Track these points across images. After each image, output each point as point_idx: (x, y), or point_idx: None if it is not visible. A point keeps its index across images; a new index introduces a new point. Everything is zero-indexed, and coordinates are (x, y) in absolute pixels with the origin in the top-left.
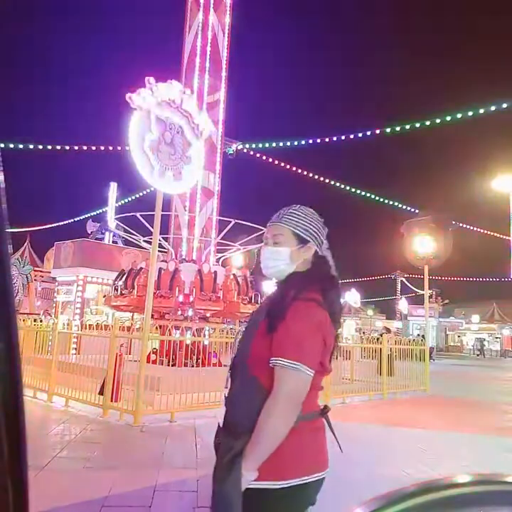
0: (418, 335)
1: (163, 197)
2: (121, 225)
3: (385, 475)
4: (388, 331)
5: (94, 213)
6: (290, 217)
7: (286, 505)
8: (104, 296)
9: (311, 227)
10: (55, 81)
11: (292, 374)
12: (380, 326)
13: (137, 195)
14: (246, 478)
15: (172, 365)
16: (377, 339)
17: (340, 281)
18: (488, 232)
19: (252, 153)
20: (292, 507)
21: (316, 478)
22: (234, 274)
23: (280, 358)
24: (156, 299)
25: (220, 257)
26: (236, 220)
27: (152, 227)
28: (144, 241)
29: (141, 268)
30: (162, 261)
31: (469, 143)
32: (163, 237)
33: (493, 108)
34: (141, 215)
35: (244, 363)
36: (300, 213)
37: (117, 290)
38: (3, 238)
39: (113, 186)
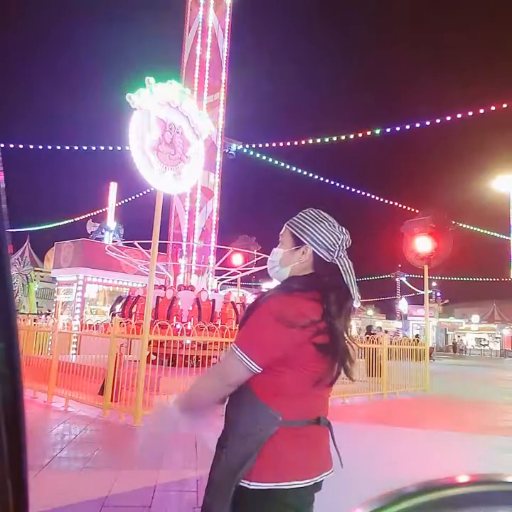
0: (417, 335)
1: (163, 197)
2: (119, 249)
3: (385, 475)
4: (379, 329)
5: (94, 213)
6: (295, 219)
7: (261, 507)
8: (102, 323)
9: (311, 228)
10: (55, 81)
11: (229, 355)
12: (380, 325)
13: (137, 195)
14: (171, 407)
15: (172, 365)
16: (368, 338)
17: (355, 293)
18: (488, 232)
19: (252, 153)
20: (267, 510)
21: (295, 486)
22: (232, 302)
23: (233, 343)
24: (152, 327)
25: (219, 279)
26: (234, 248)
27: (149, 253)
28: (143, 266)
29: (139, 296)
30: (160, 287)
31: (469, 143)
32: (161, 242)
33: (493, 108)
34: (139, 242)
35: None
36: (305, 215)
37: (114, 316)
38: (3, 238)
39: (113, 186)
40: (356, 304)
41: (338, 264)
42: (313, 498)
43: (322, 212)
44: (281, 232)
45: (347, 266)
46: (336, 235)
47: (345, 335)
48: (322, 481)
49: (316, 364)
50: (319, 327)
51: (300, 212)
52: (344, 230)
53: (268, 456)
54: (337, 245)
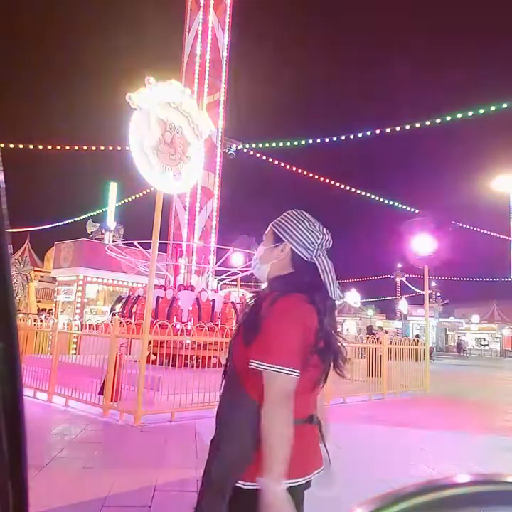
0: (417, 335)
1: (163, 197)
2: (119, 249)
3: (385, 475)
4: (381, 329)
5: (94, 213)
6: (278, 219)
7: (255, 507)
8: (102, 323)
9: (290, 227)
10: (55, 81)
11: (278, 377)
12: (380, 325)
13: (137, 195)
14: (276, 490)
15: (172, 365)
16: (368, 338)
17: (335, 293)
18: (488, 232)
19: (252, 153)
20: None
21: (290, 485)
22: (232, 302)
23: (263, 363)
24: (152, 327)
25: (219, 279)
26: (234, 249)
27: (149, 253)
28: (143, 266)
29: (139, 296)
30: (160, 287)
31: (469, 143)
32: (161, 242)
33: (493, 108)
34: (139, 242)
35: (234, 371)
36: (287, 215)
37: (114, 316)
38: (3, 238)
39: (113, 186)
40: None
41: (317, 263)
42: (303, 496)
43: (304, 213)
44: (265, 232)
45: (325, 265)
46: (316, 234)
47: (335, 333)
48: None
49: (315, 366)
50: (318, 330)
51: (284, 213)
52: (325, 231)
53: (262, 455)
54: (316, 244)
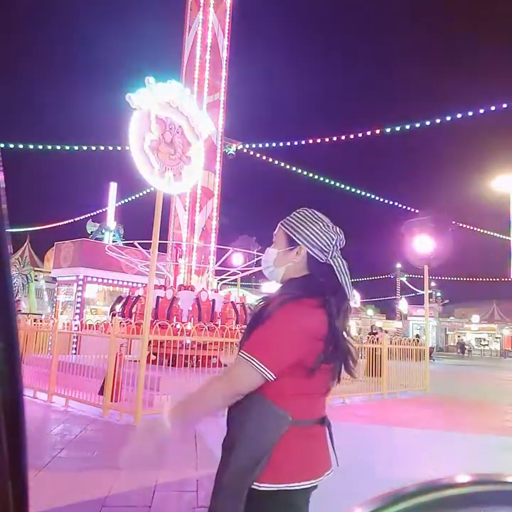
0: (417, 335)
1: (163, 197)
2: (119, 249)
3: (385, 475)
4: (381, 330)
5: (94, 213)
6: (289, 219)
7: (268, 508)
8: (102, 323)
9: (305, 229)
10: (55, 81)
11: (243, 365)
12: (380, 325)
13: (137, 195)
14: (168, 423)
15: (172, 365)
16: (368, 338)
17: (350, 294)
18: (488, 232)
19: (252, 153)
20: (274, 510)
21: (304, 487)
22: (232, 302)
23: (244, 353)
24: (152, 327)
25: (219, 279)
26: (234, 249)
27: (150, 253)
28: (143, 266)
29: (139, 296)
30: (160, 287)
31: (469, 143)
32: (161, 242)
33: (493, 108)
34: (139, 242)
35: None
36: (298, 215)
37: (114, 316)
38: (3, 238)
39: (113, 186)
40: (354, 304)
41: (333, 265)
42: (310, 497)
43: (316, 213)
44: (275, 232)
45: (341, 266)
46: (330, 235)
47: (345, 335)
48: None
49: (324, 372)
50: (327, 335)
51: (294, 212)
52: (338, 230)
53: (278, 457)
54: (331, 246)
